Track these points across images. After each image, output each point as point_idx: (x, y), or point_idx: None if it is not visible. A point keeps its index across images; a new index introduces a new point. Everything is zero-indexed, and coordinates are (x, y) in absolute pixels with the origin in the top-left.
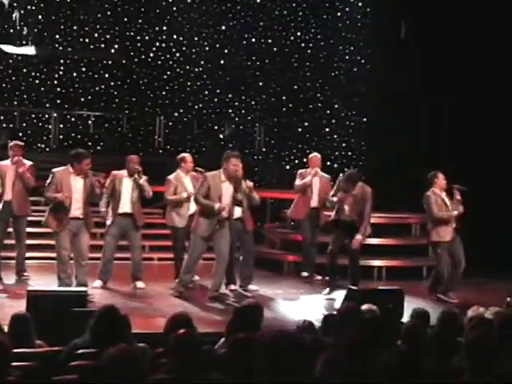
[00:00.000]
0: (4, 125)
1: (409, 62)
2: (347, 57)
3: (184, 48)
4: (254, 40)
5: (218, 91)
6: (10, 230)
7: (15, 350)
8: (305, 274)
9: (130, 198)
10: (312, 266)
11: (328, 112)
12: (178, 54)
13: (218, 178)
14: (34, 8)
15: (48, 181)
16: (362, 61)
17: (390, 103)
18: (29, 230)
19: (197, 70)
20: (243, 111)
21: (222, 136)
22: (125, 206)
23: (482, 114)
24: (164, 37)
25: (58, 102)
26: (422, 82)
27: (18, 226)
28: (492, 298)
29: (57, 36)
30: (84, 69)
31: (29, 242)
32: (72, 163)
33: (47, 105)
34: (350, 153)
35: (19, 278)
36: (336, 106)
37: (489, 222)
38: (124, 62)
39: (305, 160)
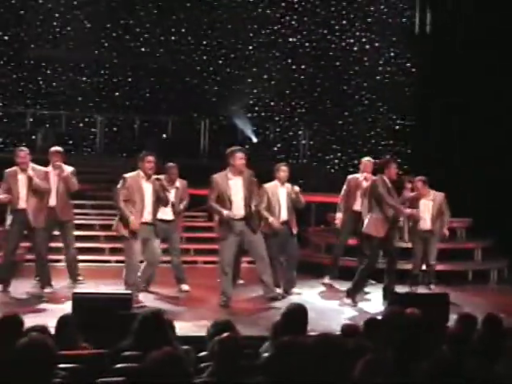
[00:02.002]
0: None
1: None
2: (392, 60)
3: (229, 51)
4: (298, 43)
5: (263, 95)
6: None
7: (61, 352)
8: (327, 280)
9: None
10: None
11: (373, 116)
12: (223, 58)
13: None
14: (79, 13)
15: (118, 186)
16: (407, 64)
17: (432, 103)
18: (76, 233)
19: (242, 73)
20: (288, 115)
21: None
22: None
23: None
24: (209, 40)
25: (104, 106)
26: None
27: (64, 230)
28: None
29: (102, 40)
30: (130, 73)
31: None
32: (140, 166)
33: (93, 109)
34: (395, 156)
35: (74, 281)
36: (381, 109)
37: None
38: (170, 66)
39: (349, 164)
